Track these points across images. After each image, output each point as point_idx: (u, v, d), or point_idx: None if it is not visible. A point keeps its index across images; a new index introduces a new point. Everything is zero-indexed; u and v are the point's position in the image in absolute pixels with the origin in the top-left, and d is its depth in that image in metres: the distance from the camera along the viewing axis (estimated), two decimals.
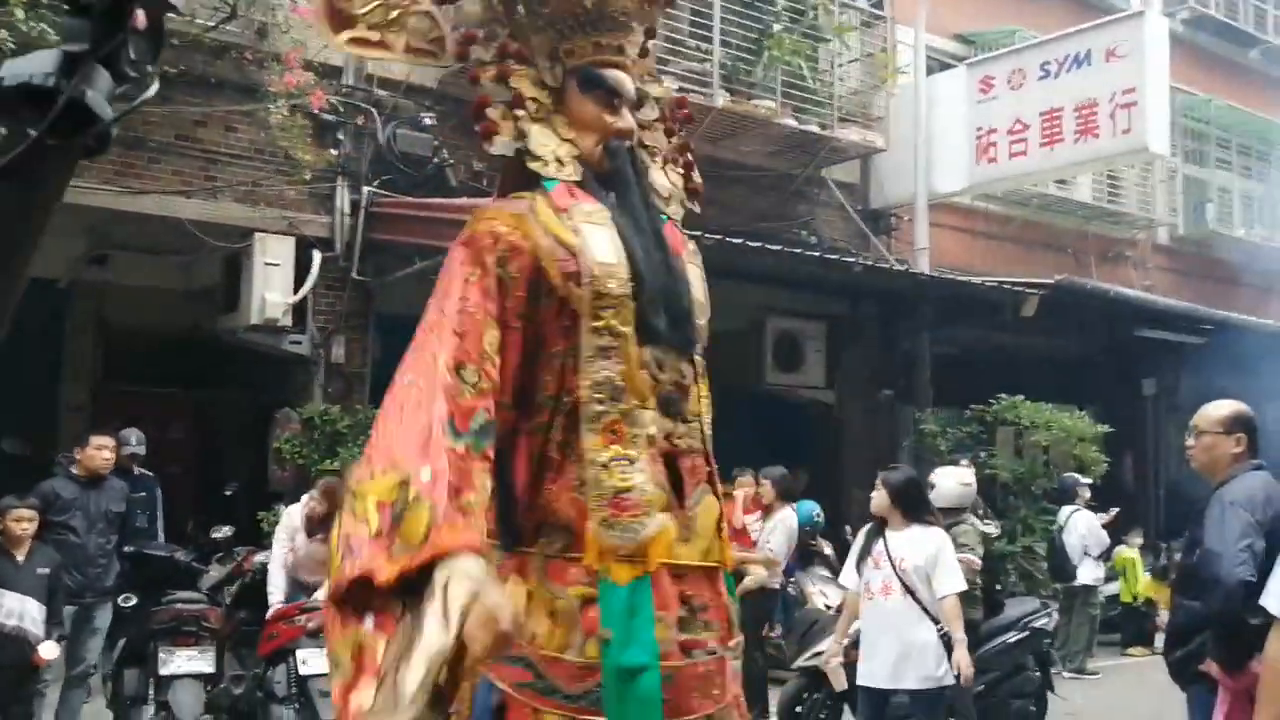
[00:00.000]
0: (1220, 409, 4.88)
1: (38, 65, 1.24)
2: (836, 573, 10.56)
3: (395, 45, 2.83)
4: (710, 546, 2.68)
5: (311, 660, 7.79)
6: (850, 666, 6.76)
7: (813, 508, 10.73)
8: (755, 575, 9.23)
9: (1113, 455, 14.69)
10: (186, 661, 7.85)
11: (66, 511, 7.97)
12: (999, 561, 11.84)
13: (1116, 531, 13.89)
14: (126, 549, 8.40)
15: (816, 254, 12.59)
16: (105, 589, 8.13)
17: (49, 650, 7.27)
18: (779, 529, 9.76)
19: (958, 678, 6.24)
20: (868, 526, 6.67)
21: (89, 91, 1.24)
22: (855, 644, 6.71)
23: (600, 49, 2.80)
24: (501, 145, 2.72)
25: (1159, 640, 9.06)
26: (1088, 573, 12.85)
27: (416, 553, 2.11)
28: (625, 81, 2.80)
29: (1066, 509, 13.06)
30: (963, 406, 14.11)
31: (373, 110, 11.26)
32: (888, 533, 6.41)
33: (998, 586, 9.22)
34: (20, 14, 7.33)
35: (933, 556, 6.25)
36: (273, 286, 10.43)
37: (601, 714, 2.45)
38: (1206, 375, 14.18)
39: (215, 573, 9.14)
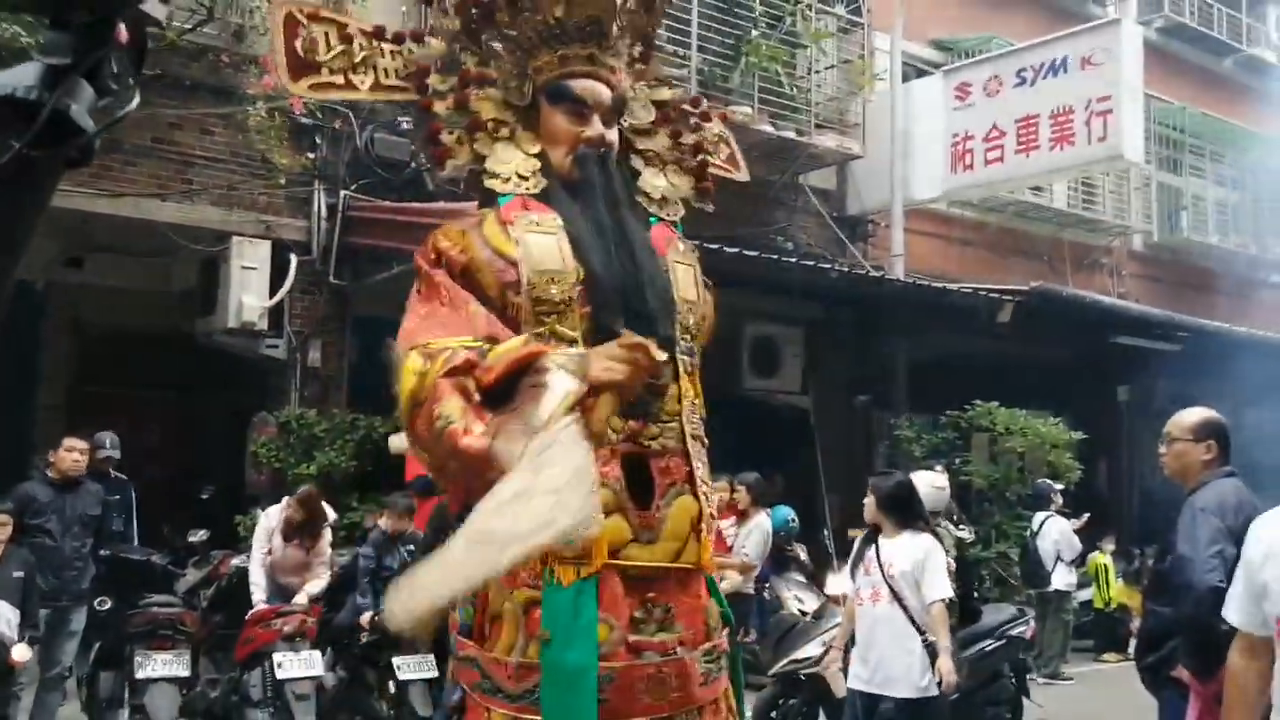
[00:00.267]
0: (1191, 416, 4.91)
1: (21, 78, 1.26)
2: (811, 578, 10.65)
3: (362, 85, 2.91)
4: (684, 548, 2.70)
5: (287, 664, 7.79)
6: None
7: (788, 513, 10.76)
8: (730, 580, 9.24)
9: (1087, 462, 14.75)
10: (162, 665, 7.83)
11: (42, 515, 7.93)
12: (974, 567, 11.88)
13: (1090, 537, 13.95)
14: (102, 552, 8.37)
15: (793, 260, 12.63)
16: (80, 592, 8.09)
17: (21, 653, 7.23)
18: (754, 534, 9.78)
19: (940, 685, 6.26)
20: (864, 532, 6.71)
21: (72, 105, 1.26)
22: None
23: (567, 61, 2.86)
24: (453, 168, 2.85)
25: (1133, 646, 9.10)
26: (1061, 578, 12.89)
27: (515, 353, 2.32)
28: (595, 90, 2.85)
29: (1040, 515, 13.11)
30: (938, 412, 14.15)
31: (350, 114, 11.22)
32: (880, 539, 6.45)
33: (975, 594, 9.21)
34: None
35: (920, 563, 6.26)
36: (249, 290, 10.42)
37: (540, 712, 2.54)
38: (1181, 382, 14.28)
39: (191, 576, 9.13)
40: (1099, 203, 17.78)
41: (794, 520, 10.82)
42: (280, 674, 7.74)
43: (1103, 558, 14.36)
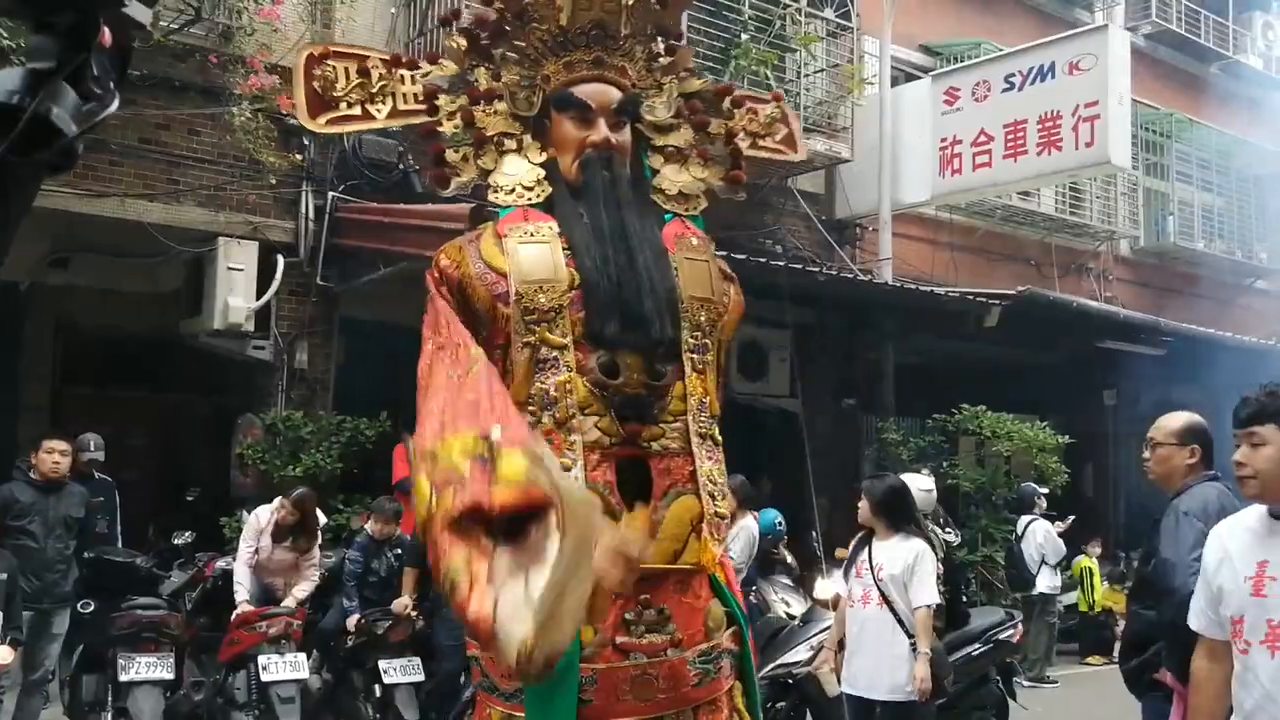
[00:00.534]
0: (1175, 420, 4.92)
1: (2, 83, 1.25)
2: (798, 581, 10.63)
3: (379, 114, 2.94)
4: (683, 549, 2.71)
5: (272, 666, 7.79)
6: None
7: (775, 516, 10.74)
8: None
9: (1074, 465, 14.78)
10: (146, 668, 7.81)
11: (24, 516, 7.87)
12: (961, 570, 11.90)
13: (1075, 540, 13.98)
14: (86, 554, 8.33)
15: (781, 263, 12.61)
16: (64, 594, 8.04)
17: (3, 655, 7.19)
18: (740, 537, 9.76)
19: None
20: (860, 535, 6.72)
21: (54, 109, 1.25)
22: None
23: (573, 67, 2.89)
24: (457, 186, 2.87)
25: (1117, 649, 9.12)
26: (1045, 581, 12.92)
27: (530, 487, 2.10)
28: (600, 93, 2.86)
29: (1024, 518, 13.14)
30: (925, 416, 14.17)
31: None
32: (873, 542, 6.46)
33: (963, 598, 9.22)
34: None
35: (909, 566, 6.27)
36: (236, 291, 10.38)
37: None
38: (1167, 386, 14.30)
39: (176, 578, 9.10)
40: (1086, 207, 17.81)
41: (781, 523, 10.79)
42: (265, 676, 7.74)
43: (1088, 561, 14.41)
